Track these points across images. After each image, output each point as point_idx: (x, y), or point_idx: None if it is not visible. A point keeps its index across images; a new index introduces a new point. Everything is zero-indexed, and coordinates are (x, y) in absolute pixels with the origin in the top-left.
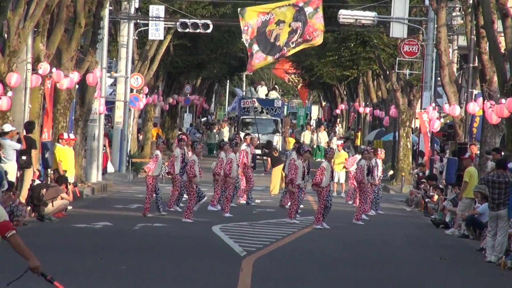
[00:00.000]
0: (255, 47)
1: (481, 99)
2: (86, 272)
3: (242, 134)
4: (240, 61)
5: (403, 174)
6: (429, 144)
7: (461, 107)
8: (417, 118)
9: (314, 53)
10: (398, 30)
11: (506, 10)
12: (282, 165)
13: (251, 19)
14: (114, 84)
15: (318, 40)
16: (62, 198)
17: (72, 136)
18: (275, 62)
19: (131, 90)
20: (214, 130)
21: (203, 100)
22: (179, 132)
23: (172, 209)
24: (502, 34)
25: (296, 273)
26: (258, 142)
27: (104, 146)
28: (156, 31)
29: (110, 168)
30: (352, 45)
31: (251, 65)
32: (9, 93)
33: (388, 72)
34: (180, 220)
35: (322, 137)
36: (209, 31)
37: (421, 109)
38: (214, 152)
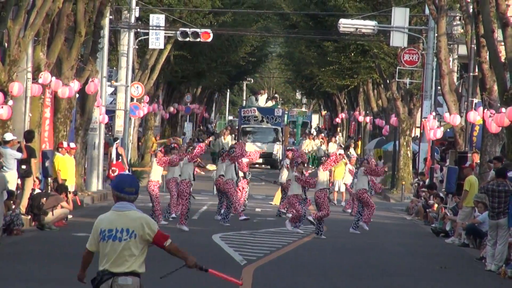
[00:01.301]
0: None
1: (481, 108)
2: (87, 281)
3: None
4: (240, 70)
5: (404, 183)
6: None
7: (461, 116)
8: (417, 127)
9: (314, 62)
10: (398, 39)
11: (506, 19)
12: None
13: None
14: (114, 93)
15: None
16: (62, 207)
17: (72, 145)
18: None
19: (132, 99)
20: (219, 139)
21: (203, 109)
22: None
23: (173, 215)
24: (502, 43)
25: (296, 282)
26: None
27: (120, 155)
28: (156, 40)
29: None
30: (352, 54)
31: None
32: (10, 102)
33: (388, 81)
34: (180, 228)
35: (332, 148)
36: (209, 40)
37: (421, 118)
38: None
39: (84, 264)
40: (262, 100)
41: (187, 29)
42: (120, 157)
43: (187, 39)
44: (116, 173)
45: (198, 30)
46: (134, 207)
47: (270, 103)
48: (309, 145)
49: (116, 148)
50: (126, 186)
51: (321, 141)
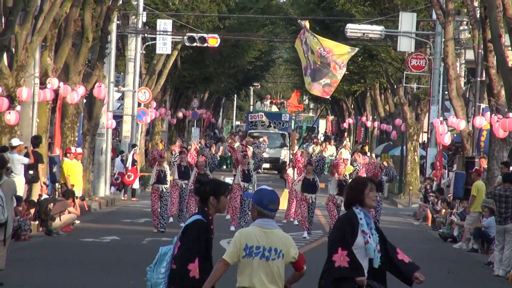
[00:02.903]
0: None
1: (488, 113)
2: (94, 287)
3: (251, 148)
4: (248, 75)
5: (411, 188)
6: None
7: (468, 121)
8: (425, 132)
9: None
10: (405, 44)
11: None
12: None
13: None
14: (121, 98)
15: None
16: (69, 212)
17: (79, 150)
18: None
19: (139, 104)
20: (224, 143)
21: (210, 114)
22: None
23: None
24: (510, 48)
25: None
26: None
27: (135, 161)
28: (164, 45)
29: (136, 185)
30: (359, 59)
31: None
32: (18, 108)
33: (395, 86)
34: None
35: (345, 154)
36: (216, 45)
37: (428, 123)
38: (224, 166)
39: (217, 279)
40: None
41: (194, 34)
42: (136, 163)
43: (194, 44)
44: (131, 178)
45: (205, 35)
46: (277, 225)
47: (272, 107)
48: (316, 151)
49: (133, 154)
50: (270, 203)
51: (325, 147)
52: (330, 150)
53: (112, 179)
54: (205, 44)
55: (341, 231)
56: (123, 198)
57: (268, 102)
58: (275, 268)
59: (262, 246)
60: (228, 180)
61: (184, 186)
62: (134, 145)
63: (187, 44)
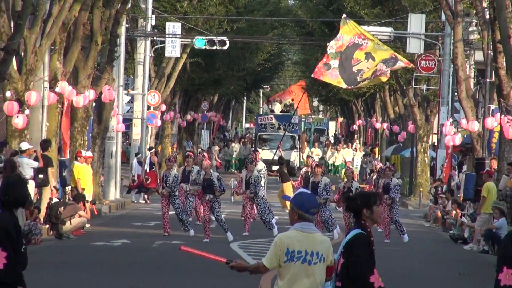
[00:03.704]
0: (335, 62)
1: (498, 114)
2: None
3: (260, 151)
4: (257, 78)
5: (421, 189)
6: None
7: (478, 122)
8: (435, 133)
9: None
10: (414, 46)
11: None
12: (290, 182)
13: (347, 33)
14: (131, 102)
15: (383, 78)
16: (80, 216)
17: (88, 153)
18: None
19: (148, 107)
20: (232, 144)
21: (220, 117)
22: (199, 150)
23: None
24: None
25: None
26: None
27: (154, 165)
28: (173, 48)
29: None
30: None
31: (320, 72)
32: (26, 111)
33: (405, 88)
34: (198, 237)
35: (358, 157)
36: (225, 47)
37: (438, 124)
38: (233, 169)
39: (256, 273)
40: (277, 108)
41: (203, 37)
42: (154, 166)
43: (204, 47)
44: (149, 181)
45: (214, 37)
46: (317, 229)
47: (277, 105)
48: (327, 153)
49: (150, 157)
50: (311, 207)
51: (340, 149)
52: (346, 153)
53: (130, 182)
54: (214, 47)
55: (506, 250)
56: (135, 201)
57: (271, 105)
58: (317, 272)
59: (304, 250)
60: (234, 181)
61: (188, 190)
62: (150, 148)
63: (196, 47)
